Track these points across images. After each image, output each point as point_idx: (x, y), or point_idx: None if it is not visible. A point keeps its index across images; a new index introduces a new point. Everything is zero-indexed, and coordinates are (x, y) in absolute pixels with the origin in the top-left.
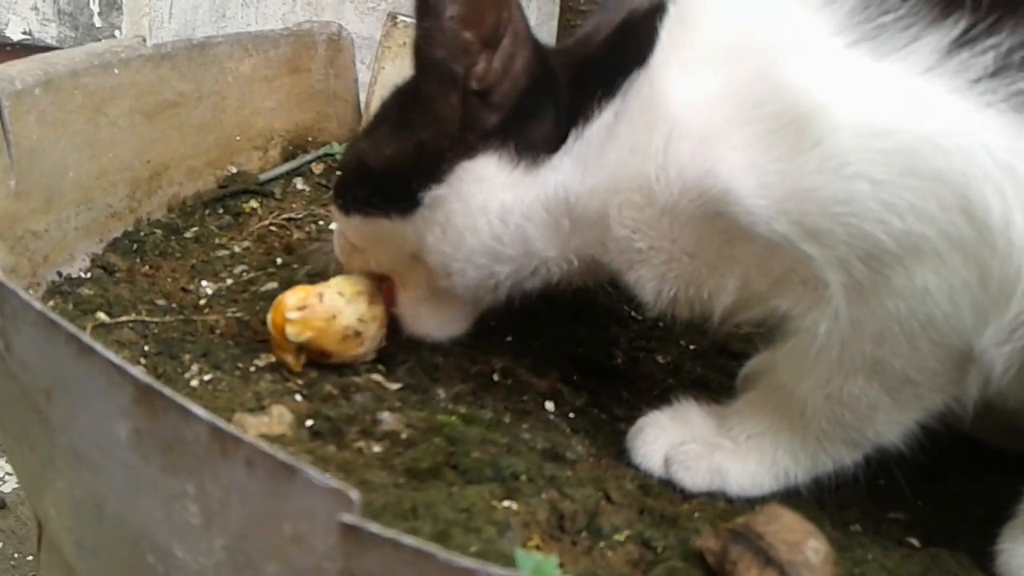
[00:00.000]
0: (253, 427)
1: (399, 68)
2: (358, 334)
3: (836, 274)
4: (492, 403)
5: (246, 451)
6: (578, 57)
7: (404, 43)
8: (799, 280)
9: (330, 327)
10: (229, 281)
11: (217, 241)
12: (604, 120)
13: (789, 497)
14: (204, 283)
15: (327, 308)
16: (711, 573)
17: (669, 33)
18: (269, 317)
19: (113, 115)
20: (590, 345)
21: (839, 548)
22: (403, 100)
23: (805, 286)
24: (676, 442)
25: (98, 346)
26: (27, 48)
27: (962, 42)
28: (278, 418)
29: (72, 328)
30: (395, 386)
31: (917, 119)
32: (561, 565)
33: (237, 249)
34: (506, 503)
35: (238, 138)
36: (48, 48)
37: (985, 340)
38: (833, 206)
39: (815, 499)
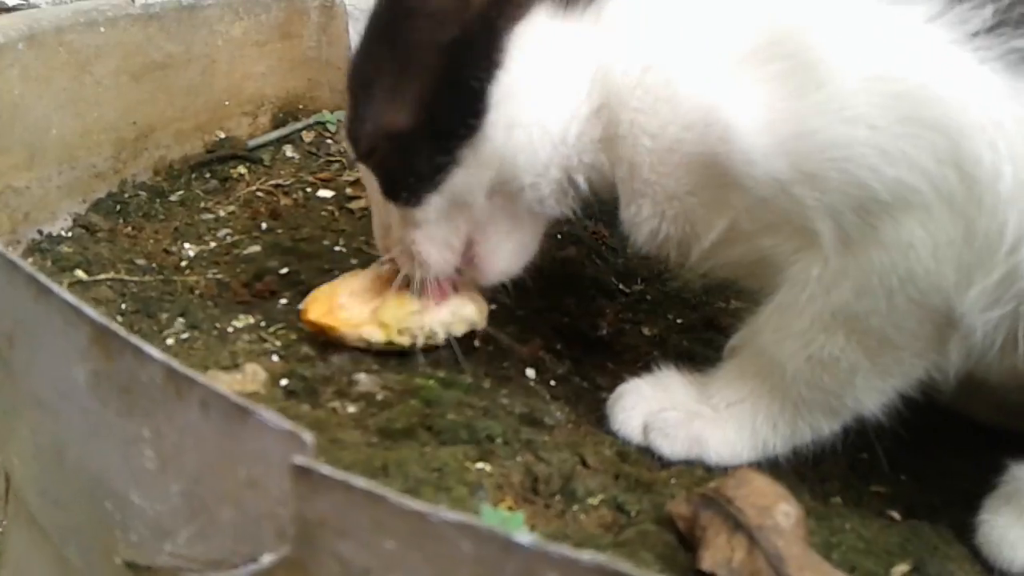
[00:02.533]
0: (226, 384)
1: None
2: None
3: (826, 223)
4: (472, 368)
5: (200, 392)
6: None
7: None
8: (789, 228)
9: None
10: (212, 244)
11: (202, 205)
12: None
13: (770, 470)
14: (186, 245)
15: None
16: (683, 538)
17: None
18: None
19: (99, 74)
20: (576, 316)
21: (817, 518)
22: (387, 39)
23: (794, 234)
24: (655, 409)
25: (55, 286)
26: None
27: None
28: (251, 376)
29: (30, 269)
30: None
31: (920, 67)
32: (532, 526)
33: (222, 213)
34: (480, 465)
35: (227, 103)
36: None
37: (967, 303)
38: (831, 150)
39: (796, 471)
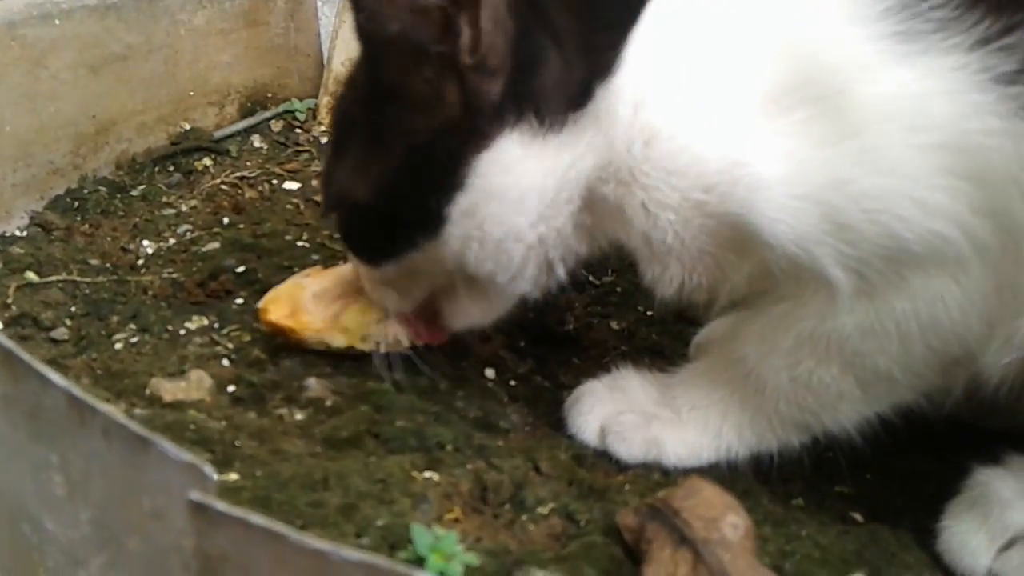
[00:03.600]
0: (169, 392)
1: None
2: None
3: (848, 274)
4: (430, 369)
5: (102, 421)
6: None
7: None
8: (810, 276)
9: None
10: (171, 241)
11: (164, 200)
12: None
13: (731, 468)
14: (145, 242)
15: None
16: (630, 550)
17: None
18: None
19: (54, 68)
20: (542, 310)
21: (774, 523)
22: (367, 105)
23: (814, 286)
24: (613, 412)
25: None
26: None
27: (987, 39)
28: (196, 383)
29: None
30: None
31: (957, 117)
32: (478, 539)
33: (184, 208)
34: (427, 474)
35: (192, 93)
36: None
37: (989, 353)
38: (865, 200)
39: (757, 471)
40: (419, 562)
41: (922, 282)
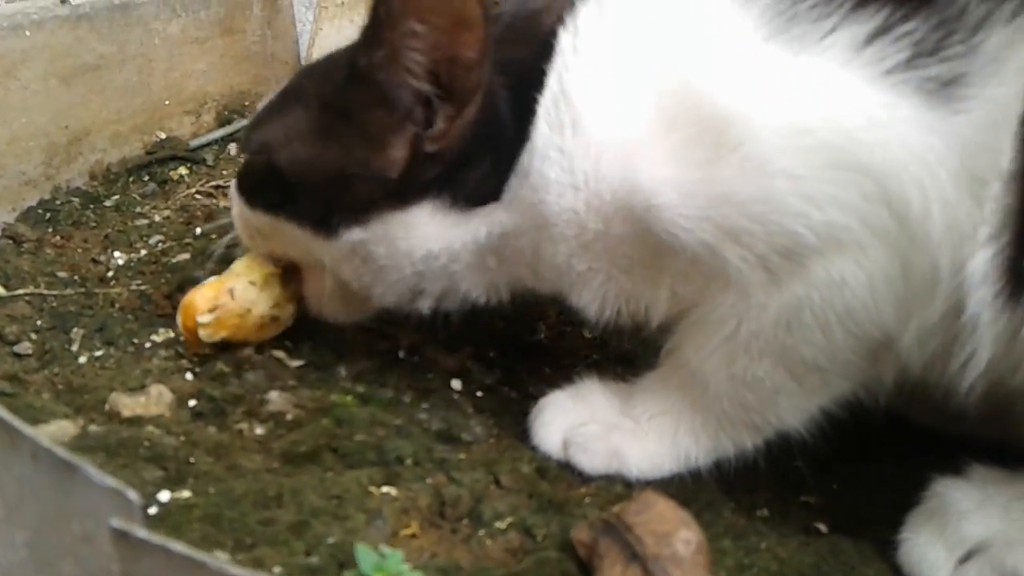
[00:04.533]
0: (128, 408)
1: (337, 28)
2: (275, 319)
3: (754, 271)
4: (395, 381)
5: (30, 445)
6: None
7: (342, 2)
8: (723, 281)
9: (245, 322)
10: (143, 252)
11: (138, 210)
12: (529, 159)
13: (696, 479)
14: (116, 254)
15: (240, 303)
16: (583, 565)
17: (575, 54)
18: (179, 320)
19: (25, 79)
20: (514, 319)
21: (734, 536)
22: (334, 89)
23: (729, 285)
24: (575, 423)
25: None
26: None
27: (879, 31)
28: (156, 398)
29: None
30: (296, 363)
31: (835, 113)
32: (433, 554)
33: (157, 218)
34: (385, 489)
35: (167, 102)
36: None
37: (907, 336)
38: (752, 205)
39: (722, 481)
40: None
41: (823, 269)
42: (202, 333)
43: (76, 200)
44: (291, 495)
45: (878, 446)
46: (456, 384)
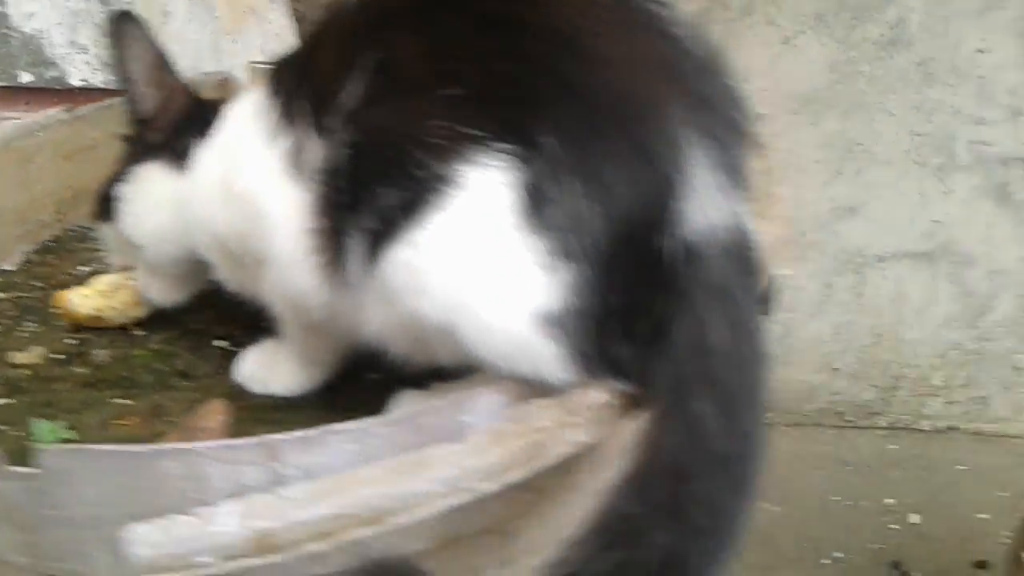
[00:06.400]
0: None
1: None
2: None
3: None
4: (181, 342)
5: None
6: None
7: None
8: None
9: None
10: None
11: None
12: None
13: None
14: (84, 268)
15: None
16: None
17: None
18: (54, 302)
19: (39, 162)
20: None
21: None
22: None
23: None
24: (254, 360)
25: None
26: (85, 92)
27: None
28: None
29: None
30: (139, 333)
31: (242, 175)
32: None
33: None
34: (121, 400)
35: None
36: (101, 91)
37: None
38: (204, 223)
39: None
40: None
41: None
42: (75, 300)
43: (75, 235)
44: (65, 406)
45: None
46: (219, 343)
